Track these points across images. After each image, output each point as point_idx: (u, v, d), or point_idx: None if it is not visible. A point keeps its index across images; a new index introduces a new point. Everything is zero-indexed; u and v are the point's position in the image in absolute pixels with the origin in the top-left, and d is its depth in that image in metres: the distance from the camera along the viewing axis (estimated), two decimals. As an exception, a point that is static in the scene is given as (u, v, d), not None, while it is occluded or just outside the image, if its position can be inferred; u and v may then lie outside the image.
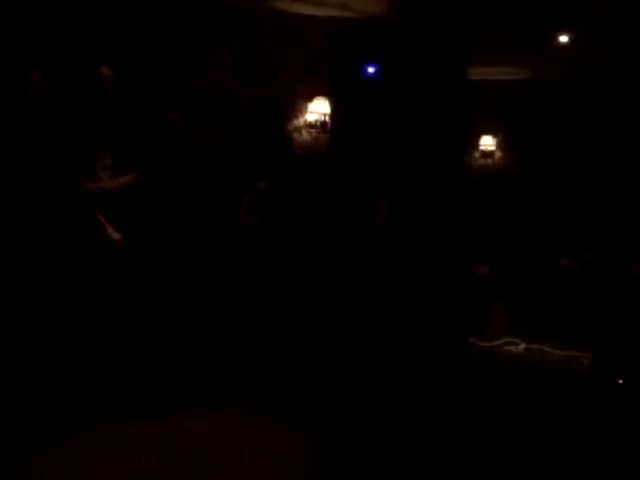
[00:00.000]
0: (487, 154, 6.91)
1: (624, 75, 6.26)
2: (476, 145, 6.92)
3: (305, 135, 5.58)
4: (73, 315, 3.75)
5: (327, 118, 5.55)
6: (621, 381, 4.08)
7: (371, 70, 5.50)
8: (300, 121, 5.58)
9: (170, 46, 5.25)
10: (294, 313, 4.66)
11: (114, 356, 3.78)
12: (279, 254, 4.71)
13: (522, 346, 4.72)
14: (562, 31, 5.31)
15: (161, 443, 3.53)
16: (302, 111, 5.58)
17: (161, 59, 5.23)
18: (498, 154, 6.96)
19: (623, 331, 4.68)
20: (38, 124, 3.80)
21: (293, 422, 3.88)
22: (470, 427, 3.78)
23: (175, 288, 4.47)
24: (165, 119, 4.89)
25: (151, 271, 4.02)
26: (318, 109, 5.55)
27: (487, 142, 6.92)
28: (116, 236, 3.74)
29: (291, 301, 4.69)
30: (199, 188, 4.88)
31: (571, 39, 5.38)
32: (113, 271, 3.75)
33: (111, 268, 3.74)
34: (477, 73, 6.32)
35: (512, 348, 4.69)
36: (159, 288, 4.20)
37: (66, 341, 3.77)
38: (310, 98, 5.55)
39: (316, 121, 5.56)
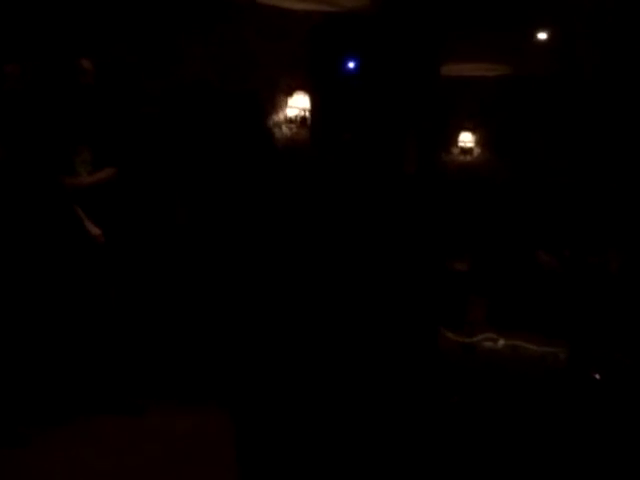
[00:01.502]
0: (466, 150, 6.93)
1: (603, 71, 6.31)
2: (455, 141, 6.95)
3: (285, 130, 5.55)
4: (52, 310, 3.71)
5: (307, 113, 5.52)
6: (598, 376, 4.12)
7: (351, 65, 5.49)
8: (280, 116, 5.55)
9: (149, 38, 5.19)
10: (276, 310, 4.64)
11: (92, 352, 3.75)
12: (261, 249, 4.69)
13: (501, 342, 4.75)
14: (541, 27, 5.34)
15: (139, 439, 3.50)
16: (282, 106, 5.55)
17: (141, 52, 5.16)
18: (477, 150, 7.00)
19: (600, 326, 4.73)
20: (14, 118, 3.74)
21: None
22: (450, 422, 3.79)
23: (154, 283, 4.44)
24: (144, 113, 4.83)
25: (130, 266, 3.99)
26: (298, 104, 5.52)
27: (466, 138, 6.95)
28: (95, 231, 3.71)
29: (271, 297, 4.67)
30: (178, 182, 4.84)
31: (549, 36, 5.42)
32: (92, 266, 3.72)
33: (90, 263, 3.71)
34: (456, 69, 6.34)
35: (491, 344, 4.72)
36: (138, 283, 4.17)
37: (45, 337, 3.73)
38: (290, 93, 5.52)
39: (296, 116, 5.52)
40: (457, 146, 6.96)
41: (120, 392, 3.79)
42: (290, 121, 5.53)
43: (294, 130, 5.54)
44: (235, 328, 4.40)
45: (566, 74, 6.42)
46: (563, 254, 5.56)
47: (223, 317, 4.47)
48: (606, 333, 4.60)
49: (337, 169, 5.29)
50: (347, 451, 3.50)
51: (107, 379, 3.78)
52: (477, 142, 6.98)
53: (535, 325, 4.84)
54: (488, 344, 4.70)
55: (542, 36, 5.46)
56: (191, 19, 5.27)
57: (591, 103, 6.58)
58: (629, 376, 4.17)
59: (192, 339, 4.49)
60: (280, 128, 5.52)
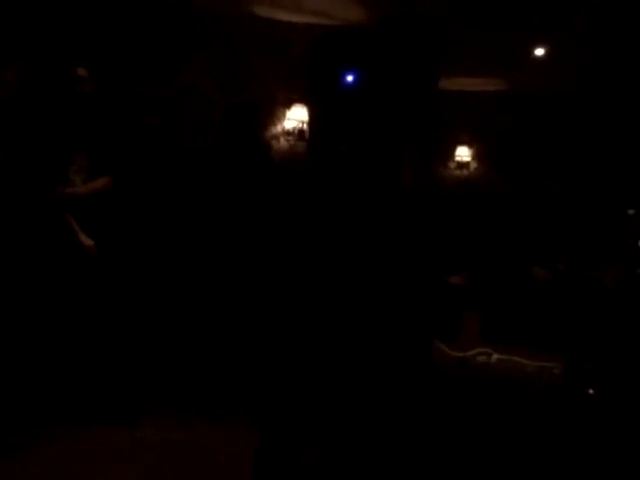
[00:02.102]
0: (463, 165, 6.96)
1: (598, 87, 6.35)
2: (452, 155, 6.98)
3: (283, 142, 5.57)
4: (44, 321, 3.69)
5: (305, 126, 5.54)
6: (592, 391, 4.12)
7: (350, 78, 5.51)
8: (278, 128, 5.57)
9: (149, 48, 5.21)
10: (273, 319, 4.63)
11: (85, 362, 3.74)
12: (258, 259, 4.69)
13: (495, 356, 4.75)
14: (538, 44, 5.37)
15: (132, 451, 3.49)
16: (280, 118, 5.57)
17: (140, 61, 5.18)
18: (474, 165, 7.03)
19: (594, 341, 4.73)
20: (9, 125, 3.74)
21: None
22: (444, 436, 3.79)
23: (148, 295, 4.43)
24: (142, 122, 4.84)
25: (124, 277, 3.98)
26: (296, 116, 5.54)
27: (463, 153, 6.98)
28: (88, 242, 3.69)
29: (268, 306, 4.66)
30: (175, 193, 4.84)
31: (547, 52, 5.45)
32: (84, 278, 3.70)
33: (82, 275, 3.69)
34: (454, 83, 6.38)
35: (485, 358, 4.72)
36: (131, 295, 4.16)
37: (37, 347, 3.71)
38: (289, 105, 5.54)
39: (294, 128, 5.54)
40: (454, 160, 7.00)
41: (113, 403, 3.78)
42: (288, 133, 5.55)
43: (292, 142, 5.56)
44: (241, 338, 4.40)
45: (563, 90, 6.47)
46: (557, 268, 5.57)
47: (224, 326, 4.46)
48: (601, 348, 4.60)
49: (333, 181, 5.29)
50: (341, 460, 3.49)
51: (100, 389, 3.76)
52: (474, 156, 7.02)
53: (530, 340, 4.84)
54: (482, 358, 4.69)
55: (540, 52, 5.48)
56: (191, 29, 5.30)
57: (587, 119, 6.62)
58: (622, 392, 4.18)
59: (187, 349, 4.48)
60: (278, 140, 5.54)
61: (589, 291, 5.27)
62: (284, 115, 5.56)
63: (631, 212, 4.08)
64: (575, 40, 5.16)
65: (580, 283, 5.38)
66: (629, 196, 6.35)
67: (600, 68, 5.78)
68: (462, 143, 6.98)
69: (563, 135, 6.67)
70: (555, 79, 6.16)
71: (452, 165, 6.99)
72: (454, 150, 6.98)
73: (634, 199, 6.23)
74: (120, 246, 3.93)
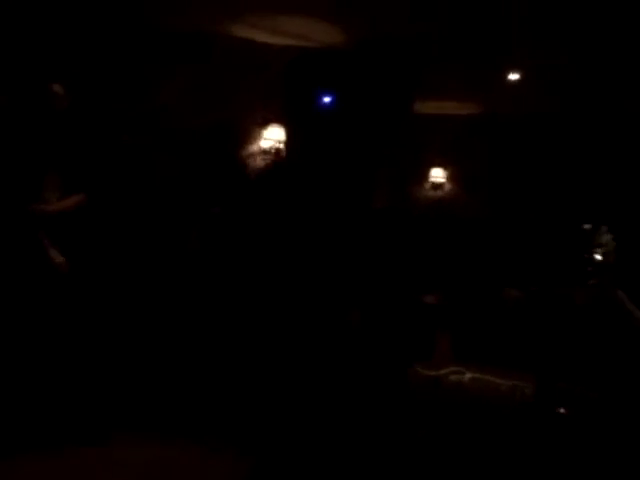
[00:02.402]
0: (437, 186, 7.04)
1: (570, 110, 6.47)
2: (427, 177, 7.06)
3: (259, 161, 5.59)
4: (14, 338, 3.64)
5: (282, 145, 5.58)
6: (563, 410, 4.14)
7: (326, 100, 5.56)
8: (254, 147, 5.59)
9: (125, 66, 5.21)
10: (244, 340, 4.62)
11: (56, 381, 3.68)
12: (229, 277, 4.69)
13: (468, 375, 4.76)
14: (512, 68, 5.47)
15: (103, 470, 3.44)
16: (257, 137, 5.60)
17: (116, 78, 5.17)
18: (448, 186, 7.11)
19: (566, 360, 4.77)
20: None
21: (236, 450, 3.84)
22: (417, 456, 3.79)
23: (119, 312, 4.39)
24: (115, 140, 4.84)
25: (94, 295, 3.95)
26: (273, 136, 5.57)
27: (437, 174, 7.06)
28: (59, 260, 3.65)
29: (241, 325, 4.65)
30: (148, 211, 4.83)
31: (520, 76, 5.55)
32: (55, 295, 3.66)
33: (53, 292, 3.65)
34: (429, 106, 6.46)
35: (458, 377, 4.73)
36: (102, 313, 4.12)
37: (6, 365, 3.66)
38: (265, 125, 5.58)
39: (271, 148, 5.57)
40: (429, 181, 7.07)
41: (85, 422, 3.73)
42: (265, 152, 5.58)
43: (268, 161, 5.58)
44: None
45: (536, 113, 6.58)
46: (530, 289, 5.63)
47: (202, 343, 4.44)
48: (572, 367, 4.64)
49: (308, 200, 5.32)
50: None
51: (71, 409, 3.71)
52: (448, 178, 7.10)
53: (503, 359, 4.86)
54: (455, 377, 4.71)
55: (514, 76, 5.58)
56: (169, 48, 5.31)
57: (561, 141, 6.73)
58: (594, 411, 4.21)
59: (159, 370, 4.44)
60: (254, 159, 5.56)
61: (560, 309, 5.32)
62: (260, 135, 5.59)
63: (587, 227, 4.14)
64: (547, 64, 5.26)
65: (552, 301, 5.43)
66: (593, 213, 6.43)
67: (572, 91, 5.90)
68: (437, 165, 7.07)
69: (535, 158, 6.77)
70: (528, 102, 6.27)
71: (427, 186, 7.06)
72: (429, 171, 7.06)
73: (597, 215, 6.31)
74: (94, 263, 3.90)
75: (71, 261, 3.70)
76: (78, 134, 3.91)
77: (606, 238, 2.95)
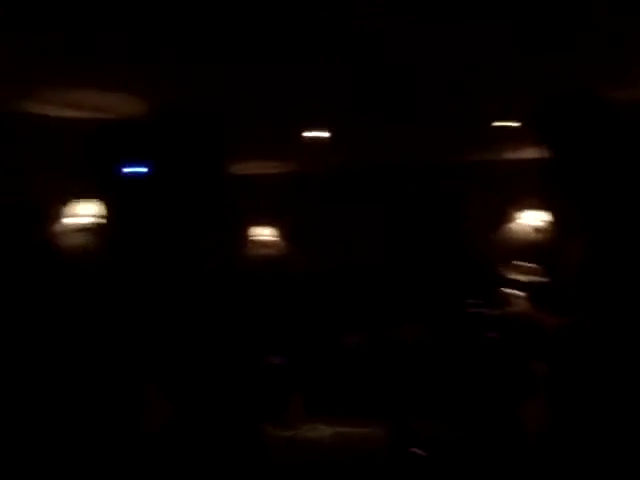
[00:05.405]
0: (266, 244, 7.04)
1: (381, 162, 6.75)
2: (254, 235, 7.02)
3: (74, 239, 5.26)
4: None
5: (103, 220, 5.31)
6: (420, 450, 4.13)
7: (133, 170, 5.39)
8: (63, 225, 5.26)
9: None
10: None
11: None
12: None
13: (323, 430, 4.67)
14: (312, 127, 5.57)
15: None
16: (67, 214, 5.27)
17: None
18: (277, 243, 7.12)
19: (416, 398, 4.82)
20: None
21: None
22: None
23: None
24: None
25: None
26: (88, 211, 5.31)
27: (265, 232, 7.07)
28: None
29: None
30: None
31: (327, 134, 5.68)
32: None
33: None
34: (245, 168, 6.48)
35: (314, 433, 4.62)
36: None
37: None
38: (74, 201, 5.29)
39: (90, 224, 5.30)
40: (257, 240, 7.03)
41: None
42: (79, 230, 5.28)
43: (85, 238, 5.29)
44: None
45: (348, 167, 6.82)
46: (367, 334, 5.71)
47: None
48: (421, 404, 4.69)
49: (135, 269, 5.05)
50: None
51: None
52: (276, 235, 7.11)
53: (355, 408, 4.82)
54: (311, 434, 4.59)
55: (317, 134, 5.70)
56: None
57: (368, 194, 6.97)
58: (451, 445, 4.26)
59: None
60: (65, 237, 5.22)
61: (397, 351, 5.42)
62: (73, 212, 5.28)
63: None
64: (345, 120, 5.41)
65: (387, 344, 5.53)
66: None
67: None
68: (263, 224, 7.06)
69: (354, 209, 6.96)
70: (333, 159, 6.49)
71: (256, 245, 7.03)
72: (256, 230, 7.04)
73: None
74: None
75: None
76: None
77: None
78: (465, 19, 3.18)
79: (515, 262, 2.31)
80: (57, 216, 5.25)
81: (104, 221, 5.31)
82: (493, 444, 4.15)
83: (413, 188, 6.93)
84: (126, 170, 5.28)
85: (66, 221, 5.26)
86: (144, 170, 5.32)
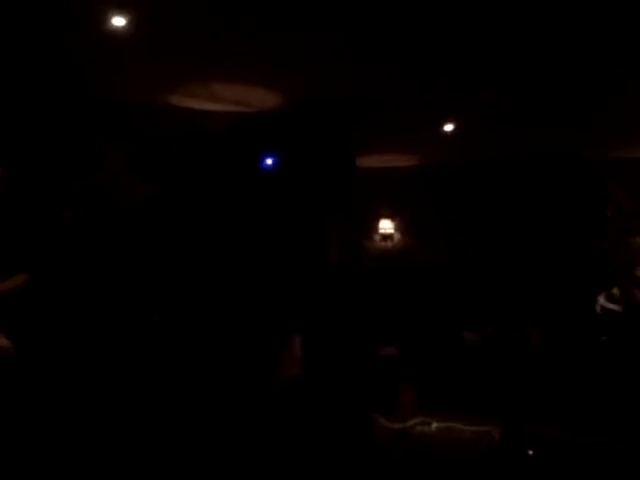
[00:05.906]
0: (387, 237, 7.12)
1: (508, 156, 6.67)
2: (376, 228, 7.13)
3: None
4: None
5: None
6: (531, 452, 4.12)
7: (269, 161, 5.60)
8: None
9: (67, 142, 5.15)
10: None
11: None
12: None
13: (434, 425, 4.73)
14: (446, 119, 5.62)
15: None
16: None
17: (56, 154, 5.10)
18: (397, 236, 7.18)
19: (529, 401, 4.77)
20: None
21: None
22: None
23: (71, 396, 4.22)
24: (57, 217, 4.75)
25: (44, 378, 3.79)
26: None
27: (386, 225, 7.14)
28: (4, 342, 3.52)
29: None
30: (94, 285, 4.72)
31: (455, 126, 5.70)
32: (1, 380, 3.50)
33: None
34: (371, 160, 6.58)
35: (424, 428, 4.69)
36: (53, 396, 3.95)
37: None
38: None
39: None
40: (378, 233, 7.14)
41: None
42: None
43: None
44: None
45: (471, 161, 6.77)
46: (486, 331, 5.67)
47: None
48: (535, 407, 4.64)
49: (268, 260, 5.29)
50: None
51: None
52: (397, 228, 7.18)
53: (467, 405, 4.84)
54: (421, 428, 4.66)
55: (448, 127, 5.73)
56: (110, 121, 5.29)
57: (500, 186, 6.90)
58: (561, 449, 4.20)
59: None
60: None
61: (517, 352, 5.36)
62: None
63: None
64: (480, 115, 5.42)
65: (508, 345, 5.47)
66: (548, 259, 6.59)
67: (508, 138, 6.09)
68: (384, 216, 7.16)
69: (478, 204, 6.92)
70: (465, 151, 6.45)
71: (377, 237, 7.14)
72: (377, 223, 7.15)
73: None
74: (41, 344, 3.76)
75: (17, 343, 3.56)
76: (17, 215, 3.82)
77: None
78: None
79: None
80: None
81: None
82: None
83: (546, 185, 6.79)
84: (263, 160, 5.52)
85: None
86: (280, 158, 5.54)
